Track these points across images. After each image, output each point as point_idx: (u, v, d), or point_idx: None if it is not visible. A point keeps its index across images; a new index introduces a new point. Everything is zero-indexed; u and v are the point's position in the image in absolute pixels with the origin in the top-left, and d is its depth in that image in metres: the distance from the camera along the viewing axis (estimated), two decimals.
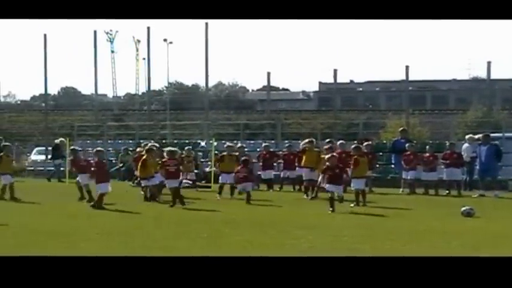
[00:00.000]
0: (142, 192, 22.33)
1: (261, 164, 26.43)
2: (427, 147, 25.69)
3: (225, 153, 23.49)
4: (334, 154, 19.56)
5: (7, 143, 25.04)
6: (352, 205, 18.83)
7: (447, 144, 26.01)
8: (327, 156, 18.92)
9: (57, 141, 30.67)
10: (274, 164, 26.62)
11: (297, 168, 24.16)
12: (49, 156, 35.15)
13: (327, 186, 17.91)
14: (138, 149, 26.07)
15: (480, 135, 24.75)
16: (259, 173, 26.35)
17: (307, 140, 23.24)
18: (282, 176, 25.96)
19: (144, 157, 20.68)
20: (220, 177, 22.70)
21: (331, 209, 17.17)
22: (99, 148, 21.03)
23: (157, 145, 23.06)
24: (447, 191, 23.46)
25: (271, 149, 28.04)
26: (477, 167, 24.04)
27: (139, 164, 20.68)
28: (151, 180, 20.40)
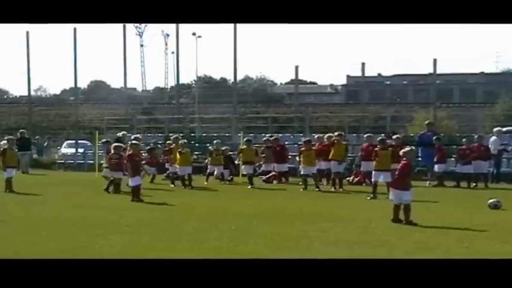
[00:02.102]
0: (173, 185, 22.86)
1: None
2: (464, 140, 25.38)
3: (244, 146, 24.91)
4: (413, 148, 16.05)
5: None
6: (368, 198, 19.01)
7: (475, 137, 25.90)
8: (402, 151, 15.12)
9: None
10: (289, 157, 26.52)
11: (321, 162, 23.76)
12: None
13: (396, 192, 14.29)
14: (167, 142, 26.75)
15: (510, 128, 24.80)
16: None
17: (336, 133, 23.30)
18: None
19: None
20: (243, 168, 24.55)
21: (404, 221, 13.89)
22: (134, 141, 21.18)
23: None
24: (474, 184, 23.56)
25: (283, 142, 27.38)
26: None
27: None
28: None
